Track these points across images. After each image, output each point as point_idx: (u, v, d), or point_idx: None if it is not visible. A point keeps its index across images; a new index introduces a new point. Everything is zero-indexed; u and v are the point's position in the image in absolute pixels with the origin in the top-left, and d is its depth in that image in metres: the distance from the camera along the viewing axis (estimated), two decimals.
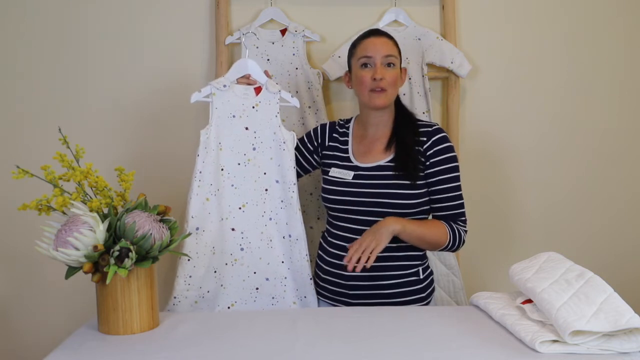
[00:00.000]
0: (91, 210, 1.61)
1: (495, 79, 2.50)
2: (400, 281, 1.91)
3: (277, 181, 1.96)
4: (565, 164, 2.56)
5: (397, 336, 1.56)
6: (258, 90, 1.98)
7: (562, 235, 2.58)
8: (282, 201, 1.96)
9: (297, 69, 2.35)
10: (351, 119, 2.08)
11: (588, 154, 2.57)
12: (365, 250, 1.75)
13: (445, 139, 1.93)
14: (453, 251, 1.95)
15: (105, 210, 1.66)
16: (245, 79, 1.99)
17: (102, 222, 1.59)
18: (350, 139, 2.03)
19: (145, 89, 2.40)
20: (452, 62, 2.39)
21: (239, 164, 1.96)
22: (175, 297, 1.92)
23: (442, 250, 1.92)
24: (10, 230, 2.37)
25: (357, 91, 1.96)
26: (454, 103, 2.45)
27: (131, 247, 1.54)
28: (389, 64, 1.91)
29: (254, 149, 1.97)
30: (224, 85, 1.95)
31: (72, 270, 1.60)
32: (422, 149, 1.92)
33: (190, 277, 1.93)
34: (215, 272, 1.95)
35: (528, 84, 2.52)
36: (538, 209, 2.57)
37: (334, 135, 2.06)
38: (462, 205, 1.94)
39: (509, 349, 1.45)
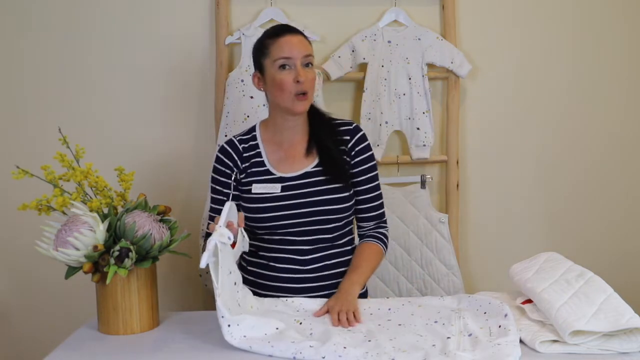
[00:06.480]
0: (91, 210, 1.61)
1: (496, 79, 2.50)
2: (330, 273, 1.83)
3: None
4: (565, 164, 2.56)
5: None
6: None
7: (562, 235, 2.57)
8: None
9: None
10: (251, 128, 1.89)
11: (588, 154, 2.57)
12: (347, 314, 1.60)
13: (365, 138, 1.87)
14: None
15: (105, 210, 1.66)
16: None
17: (102, 222, 1.58)
18: (261, 149, 1.84)
19: (145, 89, 2.40)
20: (452, 62, 2.39)
21: None
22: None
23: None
24: (10, 230, 2.37)
25: (276, 96, 1.75)
26: (454, 103, 2.45)
27: (131, 247, 1.54)
28: (307, 64, 1.76)
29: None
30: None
31: (72, 270, 1.60)
32: (346, 149, 1.84)
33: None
34: None
35: (528, 83, 2.52)
36: (538, 209, 2.57)
37: (242, 153, 1.84)
38: (383, 205, 1.91)
39: None
